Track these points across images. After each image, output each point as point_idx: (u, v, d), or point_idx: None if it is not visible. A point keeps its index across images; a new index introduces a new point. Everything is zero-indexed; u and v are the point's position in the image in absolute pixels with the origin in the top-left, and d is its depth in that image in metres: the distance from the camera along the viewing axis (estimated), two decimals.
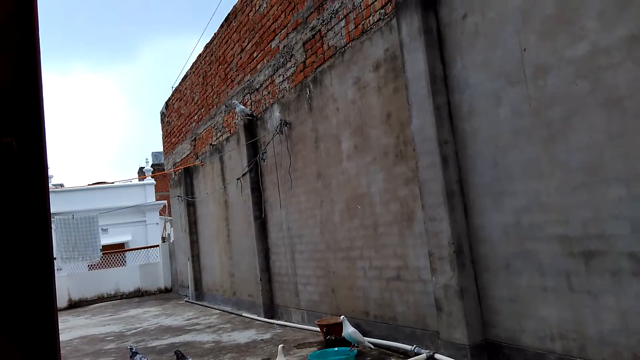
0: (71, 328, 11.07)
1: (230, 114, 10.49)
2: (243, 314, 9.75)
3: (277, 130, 8.20)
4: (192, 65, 13.07)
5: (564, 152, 3.82)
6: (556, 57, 3.86)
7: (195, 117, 12.99)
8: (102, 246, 15.82)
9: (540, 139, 3.99)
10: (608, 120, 3.53)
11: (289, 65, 7.96)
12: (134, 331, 9.74)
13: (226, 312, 10.67)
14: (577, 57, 3.71)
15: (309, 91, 7.36)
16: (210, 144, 11.88)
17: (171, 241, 16.92)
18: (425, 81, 4.89)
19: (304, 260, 7.82)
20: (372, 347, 5.66)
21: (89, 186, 22.93)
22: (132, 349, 6.38)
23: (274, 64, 8.42)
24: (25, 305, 1.10)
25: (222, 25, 10.85)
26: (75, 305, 16.10)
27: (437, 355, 4.90)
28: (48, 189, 1.17)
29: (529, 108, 4.07)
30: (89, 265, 17.39)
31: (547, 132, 3.94)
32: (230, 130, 10.60)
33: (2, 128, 1.12)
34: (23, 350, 1.09)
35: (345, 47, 6.46)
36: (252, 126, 9.35)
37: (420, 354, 5.05)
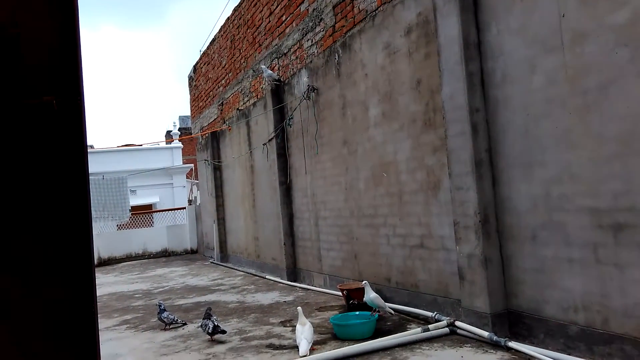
0: (101, 285, 11.45)
1: (258, 78, 10.47)
2: (266, 277, 9.94)
3: (305, 95, 8.16)
4: (221, 28, 13.02)
5: (599, 122, 3.72)
6: (596, 24, 3.72)
7: (223, 82, 13.01)
8: (131, 207, 16.19)
9: (575, 109, 3.89)
10: None
11: (317, 29, 7.86)
12: (160, 289, 10.03)
13: (250, 274, 10.89)
14: (618, 23, 3.57)
15: (338, 56, 7.28)
16: (237, 109, 11.92)
17: (197, 204, 17.21)
18: (458, 47, 4.78)
19: (327, 226, 7.88)
20: (393, 312, 5.73)
21: (119, 148, 23.33)
22: (160, 305, 6.58)
23: (303, 28, 8.33)
24: (66, 261, 1.14)
25: None
26: (104, 263, 16.61)
27: (457, 323, 4.94)
28: (87, 147, 1.20)
29: (565, 76, 3.96)
30: (117, 225, 17.85)
31: (582, 101, 3.84)
32: (257, 95, 10.60)
33: (42, 86, 1.14)
34: (64, 300, 1.14)
35: (376, 11, 6.34)
36: (279, 91, 9.33)
37: (441, 321, 5.10)
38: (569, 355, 3.88)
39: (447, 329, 4.97)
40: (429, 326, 5.05)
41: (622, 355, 3.58)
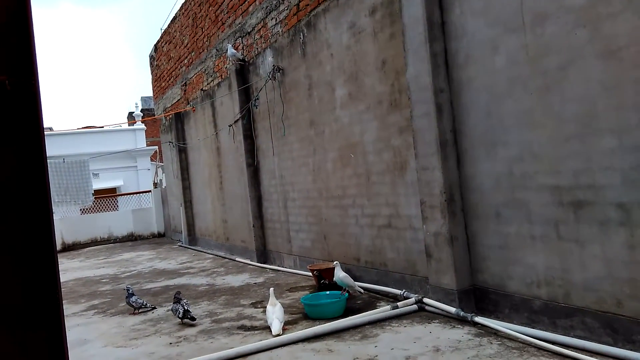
0: (66, 270, 11.24)
1: (222, 58, 10.28)
2: (236, 259, 9.94)
3: (270, 76, 8.07)
4: (182, 6, 12.68)
5: (559, 102, 3.81)
6: (556, 5, 3.77)
7: (186, 61, 12.73)
8: (94, 191, 15.84)
9: (535, 89, 3.97)
10: (604, 70, 3.50)
11: (282, 7, 7.74)
12: (128, 274, 9.91)
13: (219, 256, 10.85)
14: (577, 5, 3.63)
15: (303, 36, 7.20)
16: (201, 89, 11.71)
17: (163, 187, 16.96)
18: (422, 27, 4.79)
19: (296, 207, 7.89)
20: (362, 291, 5.82)
21: (79, 130, 22.66)
22: (128, 289, 6.52)
23: (267, 6, 8.19)
24: (25, 247, 1.11)
25: None
26: (69, 248, 16.28)
27: (425, 300, 5.05)
28: (43, 129, 1.16)
29: (526, 57, 4.02)
30: (81, 209, 17.47)
31: (542, 81, 3.91)
32: (221, 76, 10.42)
33: None
34: (25, 288, 1.11)
35: None
36: (244, 71, 9.20)
37: (410, 298, 5.21)
38: (533, 328, 4.03)
39: (415, 306, 5.08)
40: (398, 304, 5.15)
41: (583, 327, 3.74)
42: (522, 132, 4.11)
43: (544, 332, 3.91)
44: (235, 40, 9.47)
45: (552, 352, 3.64)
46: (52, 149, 18.30)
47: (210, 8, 10.72)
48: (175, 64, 13.67)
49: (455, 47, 4.69)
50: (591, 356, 3.47)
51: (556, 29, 3.78)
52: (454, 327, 4.52)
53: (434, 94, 4.75)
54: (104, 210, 17.98)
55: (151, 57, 16.15)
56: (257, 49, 8.64)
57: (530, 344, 3.85)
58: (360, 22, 5.95)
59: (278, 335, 4.72)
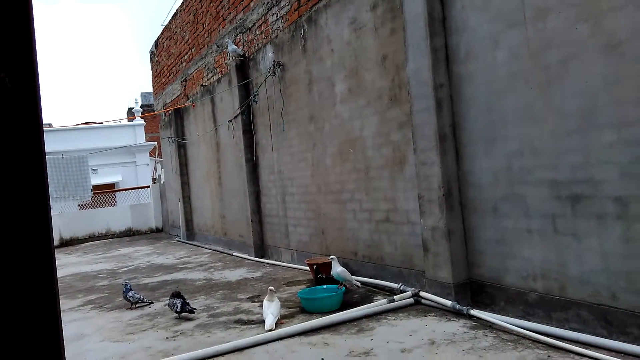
0: (63, 265, 11.22)
1: (222, 54, 10.29)
2: (234, 254, 9.94)
3: (270, 71, 8.08)
4: (183, 2, 12.69)
5: (559, 97, 3.82)
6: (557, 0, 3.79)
7: (186, 57, 12.74)
8: (92, 186, 15.82)
9: (536, 84, 3.98)
10: (605, 65, 3.52)
11: (283, 3, 7.76)
12: (125, 269, 9.90)
13: (217, 251, 10.85)
14: None
15: (304, 31, 7.21)
16: (201, 85, 11.71)
17: (162, 182, 16.95)
18: (423, 22, 4.81)
19: (294, 202, 7.90)
20: (359, 285, 5.83)
21: (78, 126, 22.64)
22: (126, 284, 6.50)
23: (268, 2, 8.20)
24: (22, 242, 1.11)
25: None
26: (66, 243, 16.25)
27: (422, 293, 5.07)
28: (42, 126, 1.17)
29: (527, 51, 4.04)
30: (79, 205, 17.45)
31: (543, 76, 3.93)
32: (221, 71, 10.43)
33: None
34: (21, 283, 1.11)
35: None
36: (244, 67, 9.20)
37: (406, 292, 5.22)
38: (528, 321, 4.04)
39: (412, 300, 5.09)
40: (395, 297, 5.16)
41: (578, 320, 3.76)
42: (522, 126, 4.13)
43: (539, 324, 3.93)
44: (236, 36, 9.48)
45: (547, 344, 3.66)
46: (51, 144, 18.32)
47: (212, 4, 10.73)
48: (175, 59, 13.67)
49: (456, 42, 4.71)
50: (585, 348, 3.48)
51: (557, 24, 3.80)
52: (450, 320, 4.53)
53: (434, 89, 4.76)
54: (103, 205, 17.97)
55: (151, 53, 16.14)
56: (258, 44, 8.65)
57: (525, 337, 3.86)
58: (361, 18, 5.96)
59: (271, 330, 4.71)
